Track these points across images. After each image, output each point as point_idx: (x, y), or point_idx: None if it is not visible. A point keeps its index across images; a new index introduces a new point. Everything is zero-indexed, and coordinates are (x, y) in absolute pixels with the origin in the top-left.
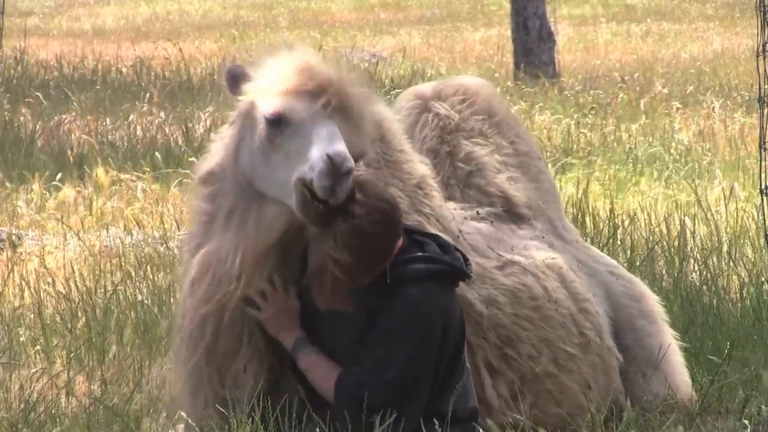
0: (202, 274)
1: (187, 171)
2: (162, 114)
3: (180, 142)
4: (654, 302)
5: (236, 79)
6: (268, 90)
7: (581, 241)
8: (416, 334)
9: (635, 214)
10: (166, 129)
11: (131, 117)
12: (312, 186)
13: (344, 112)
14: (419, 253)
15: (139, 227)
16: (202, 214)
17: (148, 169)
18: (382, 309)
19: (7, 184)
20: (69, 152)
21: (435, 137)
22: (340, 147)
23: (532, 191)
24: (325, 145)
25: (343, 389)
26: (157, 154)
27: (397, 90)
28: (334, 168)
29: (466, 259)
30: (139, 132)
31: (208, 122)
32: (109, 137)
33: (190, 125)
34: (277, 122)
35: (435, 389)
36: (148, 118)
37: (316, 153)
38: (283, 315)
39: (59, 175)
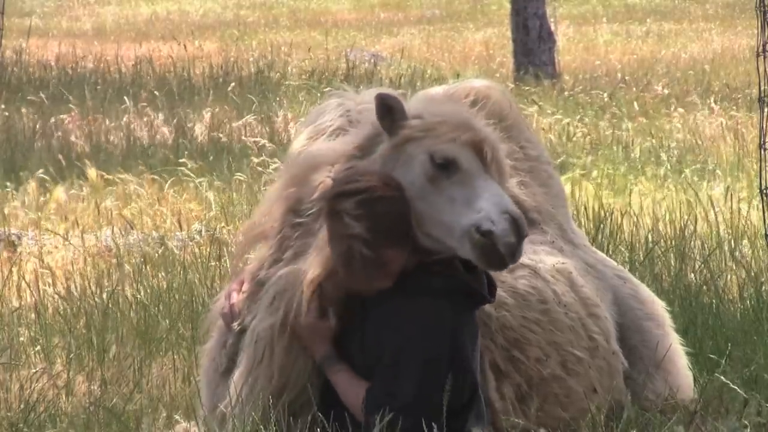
0: (285, 290)
1: (184, 170)
2: (161, 114)
3: (179, 142)
4: (660, 307)
5: (389, 109)
6: (434, 132)
7: (589, 244)
8: (424, 353)
9: (630, 214)
10: (165, 129)
11: (130, 117)
12: (493, 238)
13: (498, 171)
14: (438, 267)
15: (132, 228)
16: (304, 224)
17: (146, 169)
18: (389, 323)
19: (7, 184)
20: (68, 152)
21: None
22: (515, 208)
23: (542, 196)
24: (498, 201)
25: (369, 410)
26: (156, 154)
27: (396, 91)
28: (517, 227)
29: (491, 284)
30: (138, 132)
31: (207, 122)
32: (109, 137)
33: (190, 125)
34: (446, 166)
35: (448, 408)
36: (146, 119)
37: (494, 208)
38: (318, 328)
39: (58, 175)
